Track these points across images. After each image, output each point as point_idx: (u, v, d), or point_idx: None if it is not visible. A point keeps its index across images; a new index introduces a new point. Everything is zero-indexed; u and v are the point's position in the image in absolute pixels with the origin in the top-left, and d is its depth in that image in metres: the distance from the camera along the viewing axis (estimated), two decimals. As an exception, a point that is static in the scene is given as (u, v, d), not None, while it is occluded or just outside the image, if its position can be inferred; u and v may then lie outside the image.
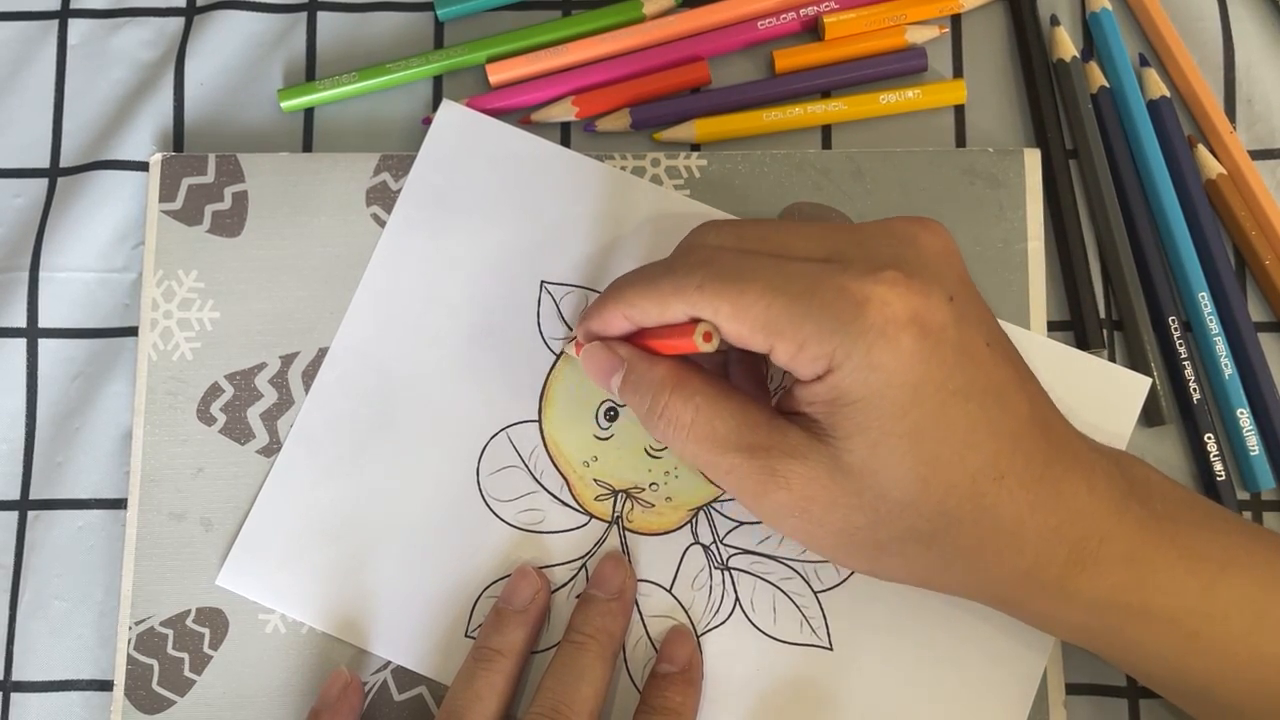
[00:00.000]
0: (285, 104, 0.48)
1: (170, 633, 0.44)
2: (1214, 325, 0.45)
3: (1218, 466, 0.44)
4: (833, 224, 0.38)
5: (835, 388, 0.35)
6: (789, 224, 0.38)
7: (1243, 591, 0.36)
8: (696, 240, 0.39)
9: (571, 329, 0.45)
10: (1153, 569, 0.36)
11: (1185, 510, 0.38)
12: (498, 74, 0.48)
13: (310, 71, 0.50)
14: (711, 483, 0.44)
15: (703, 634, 0.43)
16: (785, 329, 0.35)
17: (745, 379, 0.41)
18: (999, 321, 0.38)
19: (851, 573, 0.43)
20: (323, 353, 0.45)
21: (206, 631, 0.44)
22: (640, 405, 0.38)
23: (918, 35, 0.48)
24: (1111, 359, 0.46)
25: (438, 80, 0.49)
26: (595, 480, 0.44)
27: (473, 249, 0.46)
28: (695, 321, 0.36)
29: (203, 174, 0.47)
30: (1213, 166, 0.47)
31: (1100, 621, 0.37)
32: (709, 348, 0.36)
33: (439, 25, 0.50)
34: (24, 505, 0.46)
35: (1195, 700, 0.39)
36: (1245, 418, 0.45)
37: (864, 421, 0.35)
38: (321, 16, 0.50)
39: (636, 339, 0.39)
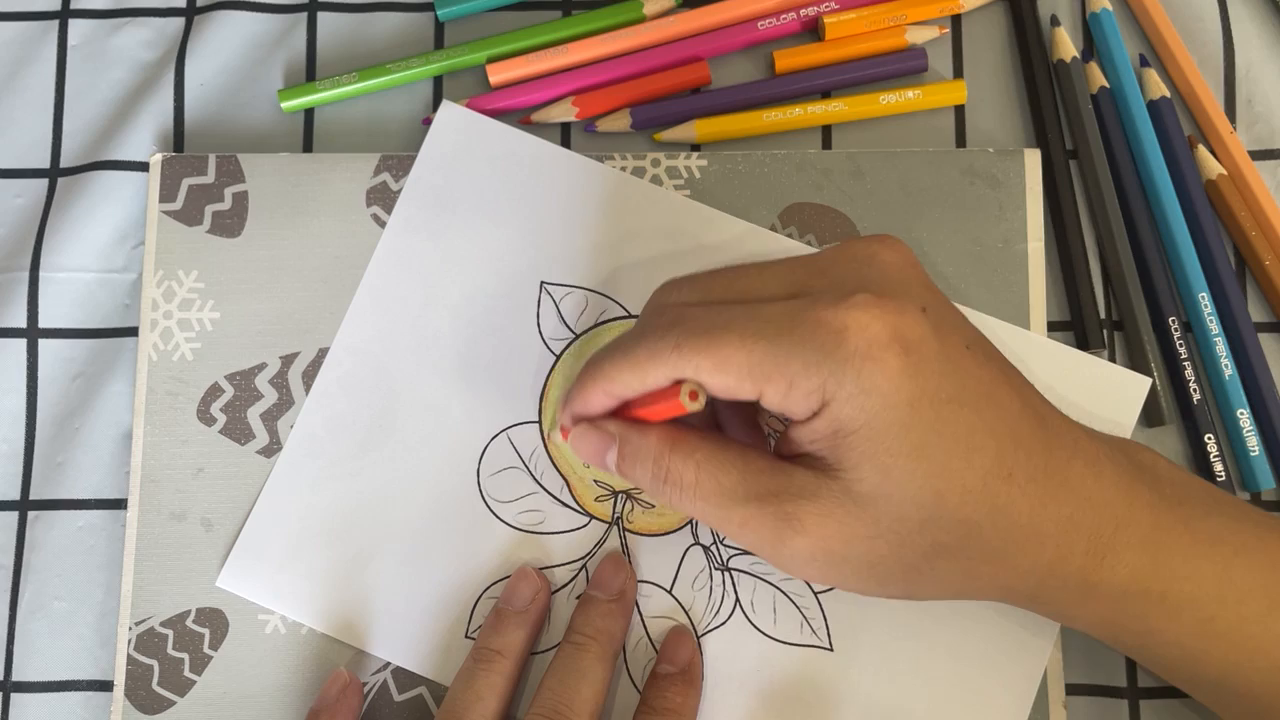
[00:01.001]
0: (285, 104, 0.48)
1: (170, 633, 0.44)
2: (1214, 325, 0.45)
3: (1218, 466, 0.44)
4: (793, 258, 0.38)
5: (834, 420, 0.34)
6: (750, 267, 0.38)
7: (1258, 575, 0.36)
8: (661, 301, 0.39)
9: (572, 330, 0.45)
10: (1168, 554, 0.36)
11: (1195, 495, 0.38)
12: (498, 74, 0.48)
13: (310, 72, 0.50)
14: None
15: (703, 634, 0.43)
16: (771, 372, 0.34)
17: (740, 429, 0.41)
18: (973, 323, 0.38)
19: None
20: (323, 353, 0.45)
21: (206, 632, 0.44)
22: (642, 475, 0.38)
23: (918, 35, 0.48)
24: (1111, 359, 0.46)
25: (438, 80, 0.49)
26: (595, 481, 0.44)
27: (473, 249, 0.46)
28: (678, 383, 0.36)
29: (203, 174, 0.47)
30: (1213, 167, 0.47)
31: (1121, 612, 0.37)
32: (696, 406, 0.36)
33: (439, 25, 0.50)
34: (24, 505, 0.46)
35: (1212, 690, 0.39)
36: (1245, 418, 0.45)
37: (869, 448, 0.34)
38: (321, 16, 0.50)
39: (622, 413, 0.39)
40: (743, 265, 0.38)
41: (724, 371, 0.35)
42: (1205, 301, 0.45)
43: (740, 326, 0.35)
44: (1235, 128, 0.48)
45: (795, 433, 0.36)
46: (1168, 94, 0.48)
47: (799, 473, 0.36)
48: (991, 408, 0.35)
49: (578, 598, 0.43)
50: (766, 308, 0.36)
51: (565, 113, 0.48)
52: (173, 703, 0.43)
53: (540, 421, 0.45)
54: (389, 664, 0.43)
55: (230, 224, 0.46)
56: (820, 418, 0.35)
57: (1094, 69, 0.48)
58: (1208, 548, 0.36)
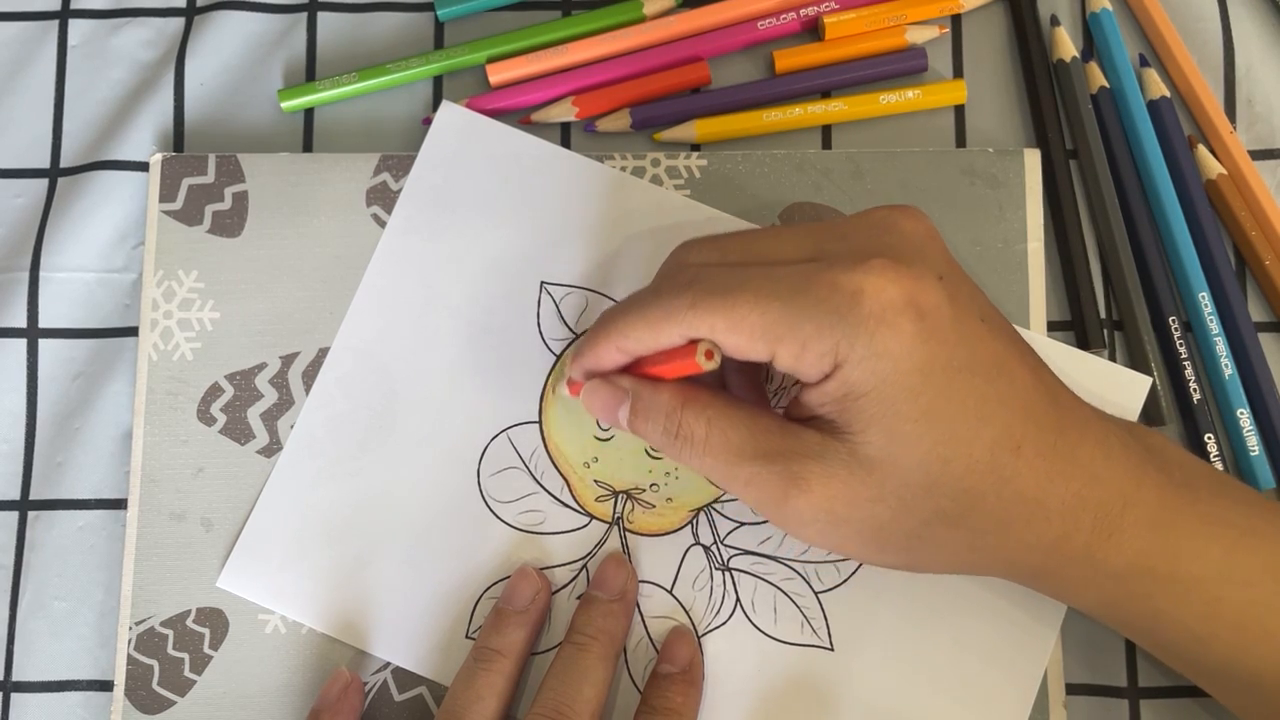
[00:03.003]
0: (285, 104, 0.48)
1: (170, 633, 0.44)
2: (1214, 325, 0.45)
3: (1218, 466, 0.44)
4: (812, 223, 0.38)
5: (845, 382, 0.35)
6: (769, 230, 0.38)
7: (1265, 559, 0.36)
8: (678, 260, 0.39)
9: (572, 330, 0.45)
10: (1176, 534, 0.36)
11: (1202, 478, 0.38)
12: (498, 74, 0.48)
13: (310, 71, 0.50)
14: (727, 495, 0.44)
15: (704, 634, 0.43)
16: (784, 333, 0.35)
17: (744, 390, 0.41)
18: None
19: (853, 573, 0.43)
20: (323, 353, 0.45)
21: (206, 632, 0.44)
22: (654, 430, 0.38)
23: (918, 35, 0.48)
24: (1112, 359, 0.46)
25: (438, 80, 0.49)
26: (596, 481, 0.44)
27: (473, 250, 0.46)
28: (693, 343, 0.36)
29: (203, 174, 0.47)
30: (1213, 166, 0.47)
31: (1126, 592, 0.37)
32: (712, 366, 0.36)
33: (439, 25, 0.50)
34: (24, 505, 0.46)
35: (1216, 677, 0.38)
36: (1245, 418, 0.45)
37: (878, 411, 0.35)
38: (321, 16, 0.50)
39: (633, 370, 0.39)
40: (761, 229, 0.38)
41: (738, 331, 0.35)
42: (1205, 301, 0.45)
43: (756, 287, 0.35)
44: (1235, 128, 0.48)
45: (806, 396, 0.36)
46: (1168, 94, 0.48)
47: (807, 434, 0.36)
48: (1004, 379, 0.36)
49: (578, 598, 0.43)
50: (782, 269, 0.36)
51: (565, 112, 0.48)
52: (173, 703, 0.43)
53: (540, 422, 0.45)
54: (389, 664, 0.43)
55: (230, 224, 0.46)
56: (831, 380, 0.35)
57: (1094, 69, 0.48)
58: (1215, 529, 0.37)
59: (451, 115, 0.47)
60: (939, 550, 0.37)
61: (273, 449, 0.45)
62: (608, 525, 0.44)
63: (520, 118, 0.48)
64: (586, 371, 0.39)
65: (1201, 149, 0.47)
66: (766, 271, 0.36)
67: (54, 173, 0.49)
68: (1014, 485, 0.35)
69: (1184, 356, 0.45)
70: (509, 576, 0.43)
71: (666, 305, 0.36)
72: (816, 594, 0.43)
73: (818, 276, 0.35)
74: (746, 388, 0.41)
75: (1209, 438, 0.45)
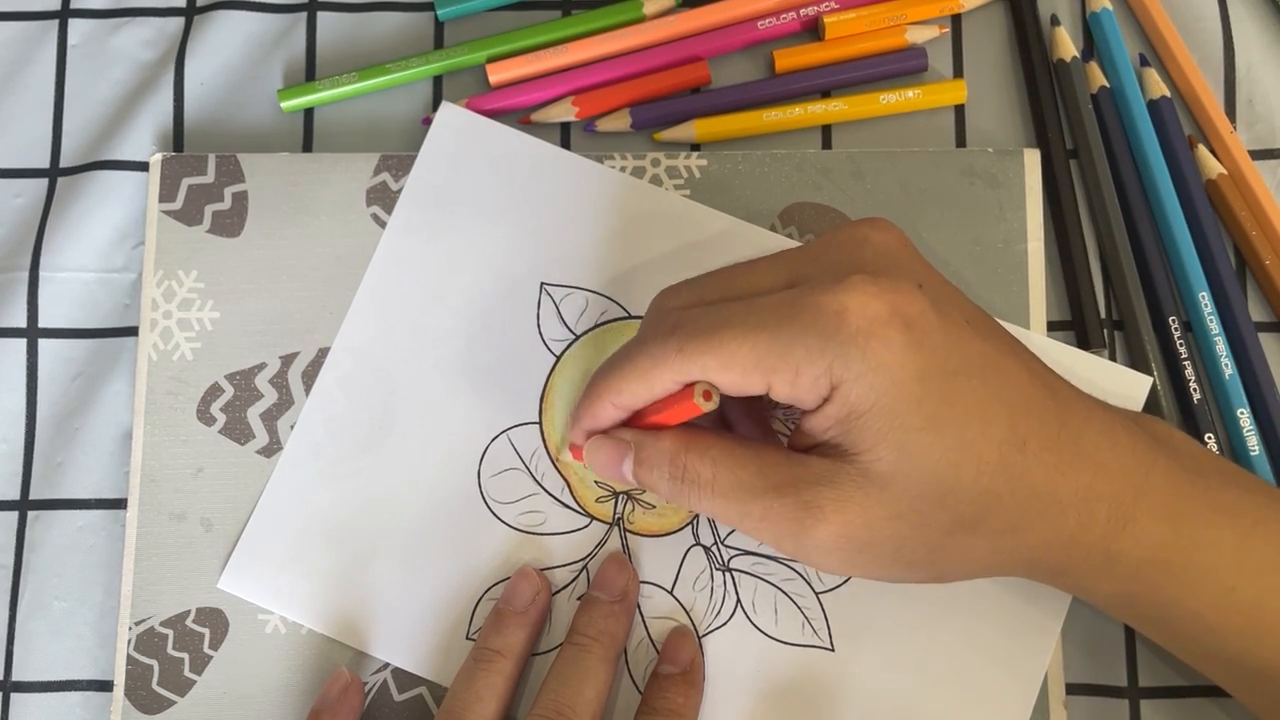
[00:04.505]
0: (285, 104, 0.48)
1: (170, 633, 0.44)
2: (1214, 325, 0.45)
3: (1218, 466, 0.44)
4: (784, 250, 0.39)
5: (845, 403, 0.35)
6: (743, 265, 0.38)
7: (1277, 548, 0.36)
8: (659, 308, 0.39)
9: (572, 330, 0.45)
10: (1189, 523, 0.36)
11: (1211, 466, 0.38)
12: (498, 74, 0.48)
13: (310, 71, 0.49)
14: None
15: (704, 635, 0.43)
16: (776, 362, 0.35)
17: (750, 428, 0.41)
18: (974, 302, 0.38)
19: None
20: (323, 353, 0.45)
21: (206, 632, 0.44)
22: (659, 479, 0.38)
23: (918, 35, 0.48)
24: (1112, 359, 0.46)
25: (438, 80, 0.49)
26: (596, 482, 0.44)
27: (472, 250, 0.46)
28: (688, 387, 0.36)
29: (203, 174, 0.47)
30: (1213, 166, 0.47)
31: (1141, 585, 0.37)
32: (711, 405, 0.36)
33: (439, 25, 0.50)
34: (24, 505, 0.46)
35: (1229, 668, 0.38)
36: (1245, 418, 0.45)
37: (882, 426, 0.34)
38: (321, 16, 0.50)
39: (633, 423, 0.39)
40: (736, 264, 0.39)
41: (730, 368, 0.35)
42: (1205, 301, 0.45)
43: (741, 321, 0.35)
44: (1235, 127, 0.48)
45: (808, 423, 0.36)
46: (1168, 94, 0.48)
47: (815, 461, 0.36)
48: (999, 378, 0.36)
49: (579, 599, 0.43)
50: (765, 300, 0.36)
51: (565, 112, 0.48)
52: (173, 703, 0.43)
53: (541, 423, 0.45)
54: (389, 664, 0.43)
55: (230, 224, 0.46)
56: (831, 402, 0.35)
57: (1094, 69, 0.48)
58: (1227, 518, 0.37)
59: (451, 116, 0.47)
60: (962, 558, 0.37)
61: (272, 449, 0.45)
62: (608, 526, 0.44)
63: (520, 118, 0.48)
64: (586, 433, 0.40)
65: (1201, 149, 0.47)
66: (748, 304, 0.36)
67: (54, 173, 0.49)
68: (1025, 481, 0.35)
69: (1184, 356, 0.45)
70: (509, 577, 0.43)
71: (654, 354, 0.36)
72: (817, 594, 0.43)
73: (800, 301, 0.35)
74: (752, 427, 0.41)
75: (1209, 438, 0.45)
